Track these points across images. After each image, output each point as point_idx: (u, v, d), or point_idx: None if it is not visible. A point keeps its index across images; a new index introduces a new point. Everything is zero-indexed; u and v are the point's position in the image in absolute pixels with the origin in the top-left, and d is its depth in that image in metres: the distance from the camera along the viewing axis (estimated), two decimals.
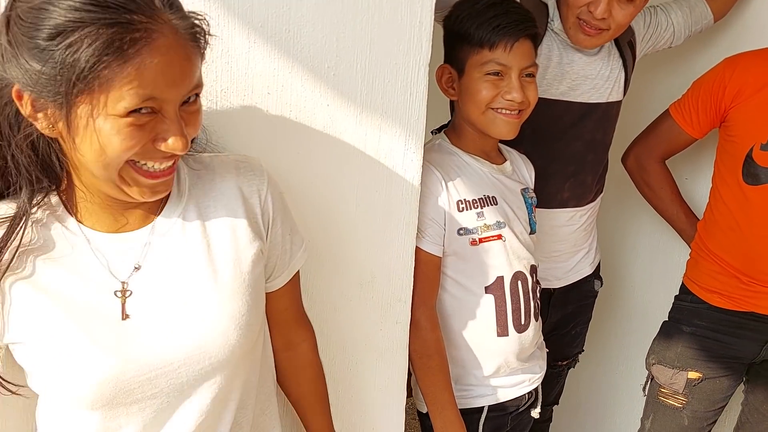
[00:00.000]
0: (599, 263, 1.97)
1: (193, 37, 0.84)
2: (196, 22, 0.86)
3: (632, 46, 1.77)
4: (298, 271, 1.11)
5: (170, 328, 0.91)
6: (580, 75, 1.68)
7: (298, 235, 1.10)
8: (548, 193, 1.72)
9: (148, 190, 0.87)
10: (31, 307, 0.88)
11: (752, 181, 1.62)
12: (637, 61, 1.80)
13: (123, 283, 0.91)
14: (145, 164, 0.85)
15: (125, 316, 0.90)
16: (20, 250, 0.87)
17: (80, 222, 0.92)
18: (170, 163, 0.86)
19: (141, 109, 0.80)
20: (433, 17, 1.18)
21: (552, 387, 2.00)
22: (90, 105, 0.78)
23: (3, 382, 0.93)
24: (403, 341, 1.34)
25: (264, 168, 1.03)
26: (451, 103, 1.52)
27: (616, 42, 1.73)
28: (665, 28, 1.81)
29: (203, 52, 0.88)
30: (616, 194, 2.14)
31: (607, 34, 1.59)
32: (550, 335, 1.86)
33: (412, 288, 1.32)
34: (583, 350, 2.05)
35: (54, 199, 0.92)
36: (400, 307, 1.31)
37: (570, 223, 1.80)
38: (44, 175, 0.89)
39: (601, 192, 1.88)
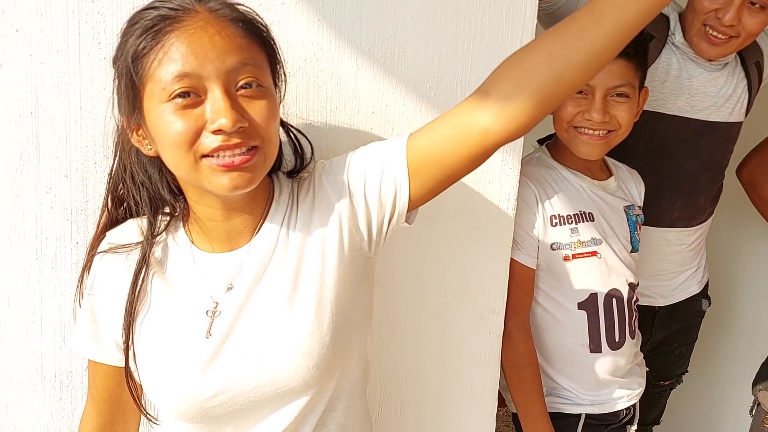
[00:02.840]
0: (708, 282, 1.91)
1: (234, 20, 0.87)
2: (241, 8, 0.90)
3: (759, 67, 1.69)
4: None
5: (247, 354, 0.93)
6: (700, 91, 1.63)
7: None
8: (658, 212, 1.68)
9: (227, 181, 0.86)
10: (145, 320, 0.95)
11: None
12: (763, 84, 1.73)
13: (216, 303, 0.94)
14: (218, 155, 0.85)
15: (208, 335, 0.93)
16: (147, 270, 0.95)
17: (192, 242, 0.97)
18: (242, 150, 0.86)
19: (186, 95, 0.84)
20: (534, 37, 1.20)
21: (653, 406, 1.95)
22: (147, 101, 0.86)
23: (148, 415, 1.00)
24: (495, 352, 1.36)
25: (315, 164, 1.02)
26: None
27: (742, 61, 1.67)
28: None
29: (266, 41, 0.91)
30: (730, 211, 2.05)
31: (736, 42, 1.54)
32: (653, 354, 1.83)
33: (505, 300, 1.34)
34: (687, 370, 1.99)
35: (174, 221, 0.99)
36: (493, 318, 1.34)
37: (678, 243, 1.76)
38: (158, 198, 0.97)
39: (713, 213, 1.82)
